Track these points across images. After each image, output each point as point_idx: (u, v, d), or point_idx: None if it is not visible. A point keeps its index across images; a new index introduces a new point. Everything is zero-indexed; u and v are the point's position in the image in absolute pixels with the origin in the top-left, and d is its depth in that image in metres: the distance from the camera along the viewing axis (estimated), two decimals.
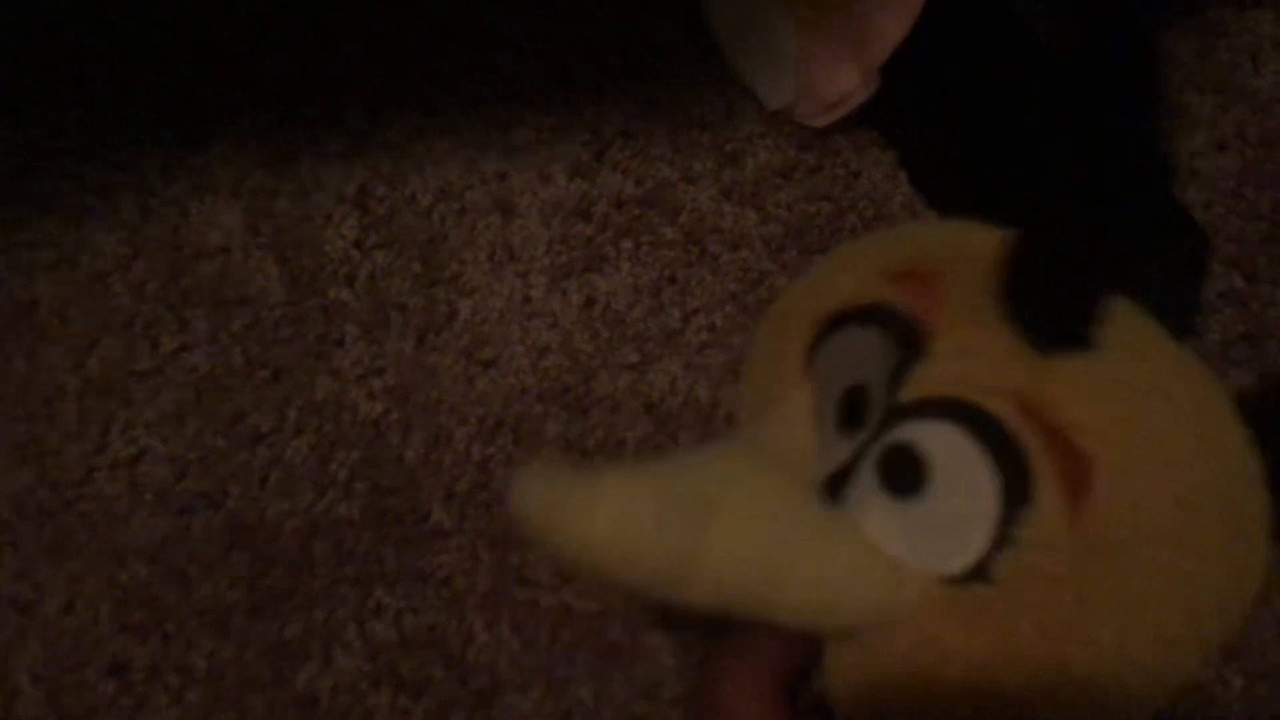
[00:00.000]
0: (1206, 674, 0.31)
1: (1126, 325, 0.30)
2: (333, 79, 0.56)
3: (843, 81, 0.52)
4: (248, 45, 0.57)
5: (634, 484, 0.28)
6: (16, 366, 0.50)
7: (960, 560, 0.28)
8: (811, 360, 0.33)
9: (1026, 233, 0.28)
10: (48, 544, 0.47)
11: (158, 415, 0.49)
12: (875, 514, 0.29)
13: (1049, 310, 0.28)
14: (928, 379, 0.29)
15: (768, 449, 0.33)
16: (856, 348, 0.32)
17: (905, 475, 0.29)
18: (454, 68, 0.57)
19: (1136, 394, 0.28)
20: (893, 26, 0.49)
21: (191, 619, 0.46)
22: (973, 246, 0.30)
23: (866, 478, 0.30)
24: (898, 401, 0.30)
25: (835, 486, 0.31)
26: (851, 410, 0.32)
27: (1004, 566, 0.27)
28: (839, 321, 0.32)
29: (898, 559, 0.29)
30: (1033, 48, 0.51)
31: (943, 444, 0.28)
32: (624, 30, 0.57)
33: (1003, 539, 0.27)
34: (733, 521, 0.28)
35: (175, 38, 0.57)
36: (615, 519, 0.27)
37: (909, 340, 0.30)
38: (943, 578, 0.28)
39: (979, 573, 0.28)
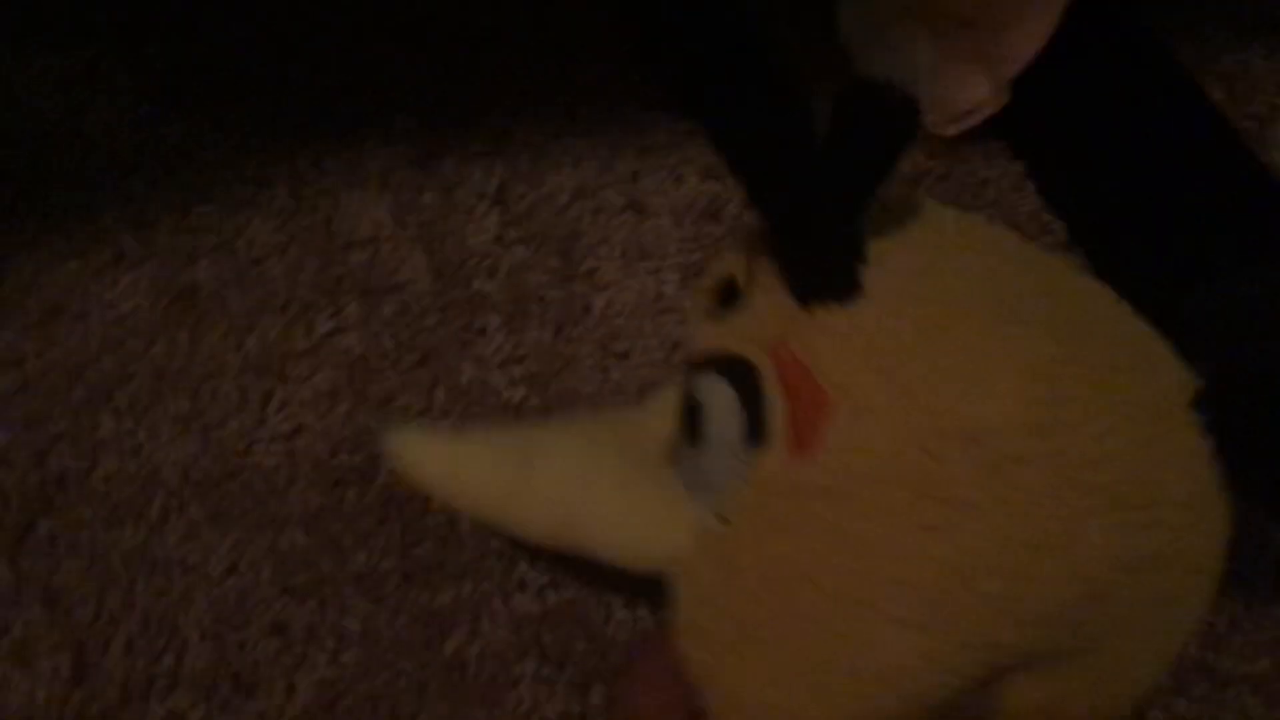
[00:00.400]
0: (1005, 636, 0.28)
1: (947, 265, 0.30)
2: (476, 81, 0.59)
3: (974, 93, 0.54)
4: (396, 47, 0.60)
5: (475, 436, 0.35)
6: (180, 344, 0.53)
7: (716, 503, 0.30)
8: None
9: (776, 212, 0.29)
10: (212, 510, 0.49)
11: (313, 394, 0.52)
12: (680, 462, 0.33)
13: (806, 266, 0.30)
14: (708, 335, 0.33)
15: (627, 422, 0.37)
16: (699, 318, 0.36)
17: (692, 425, 0.31)
18: (590, 72, 0.59)
19: (899, 340, 0.28)
20: (1027, 43, 0.51)
21: (347, 585, 0.48)
22: None
23: (677, 431, 0.33)
24: (693, 358, 0.33)
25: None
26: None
27: (729, 503, 0.29)
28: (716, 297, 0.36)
29: (681, 503, 0.31)
30: (1164, 63, 0.53)
31: (714, 395, 0.31)
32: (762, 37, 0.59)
33: (741, 481, 0.29)
34: (551, 463, 0.33)
35: (327, 37, 0.60)
36: (454, 460, 0.34)
37: (729, 305, 0.33)
38: (706, 520, 0.30)
39: (721, 513, 0.30)
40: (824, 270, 0.29)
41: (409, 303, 0.54)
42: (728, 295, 0.35)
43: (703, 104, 0.28)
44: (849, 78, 0.27)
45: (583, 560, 0.35)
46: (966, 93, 0.54)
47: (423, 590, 0.48)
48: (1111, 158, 0.53)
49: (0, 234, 0.55)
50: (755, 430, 0.29)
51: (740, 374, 0.30)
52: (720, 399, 0.30)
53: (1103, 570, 0.26)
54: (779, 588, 0.28)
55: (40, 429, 0.51)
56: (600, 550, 0.34)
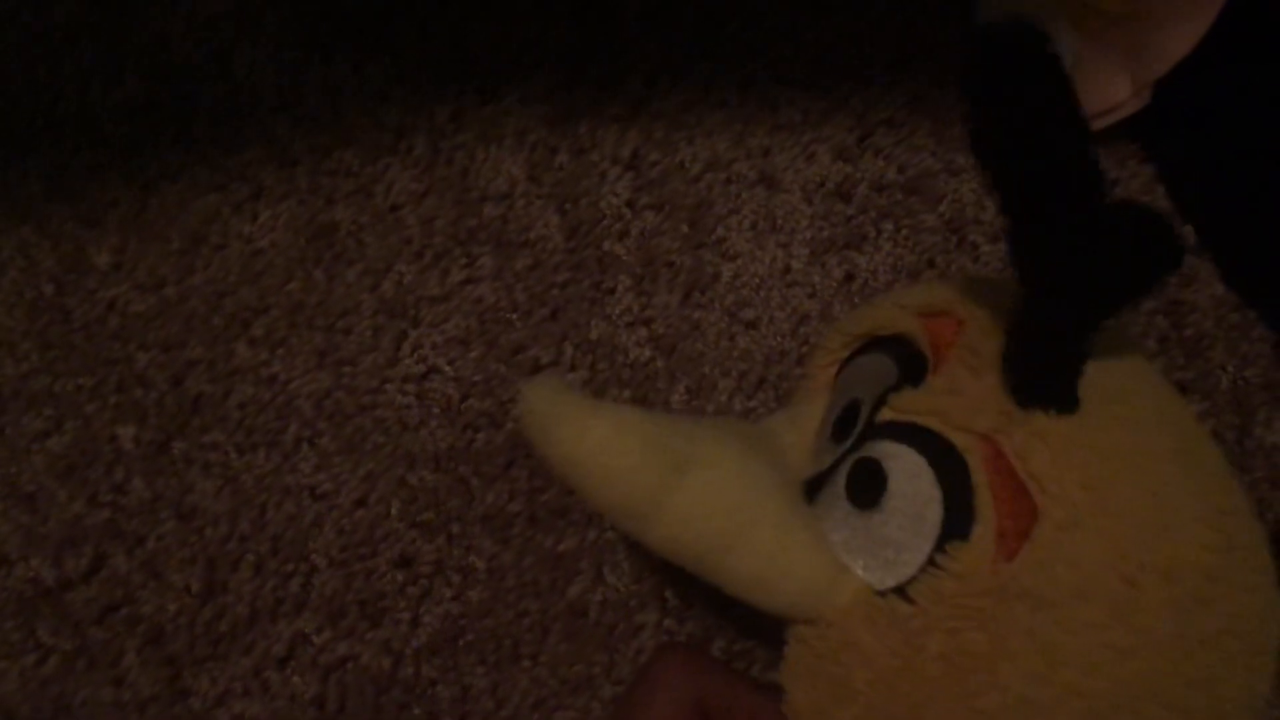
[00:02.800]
0: None
1: (1133, 393, 0.31)
2: (616, 48, 0.60)
3: (1116, 92, 0.54)
4: (539, 8, 0.61)
5: (631, 419, 0.31)
6: (317, 281, 0.54)
7: (895, 576, 0.30)
8: (839, 375, 0.37)
9: (1030, 297, 0.28)
10: (344, 443, 0.50)
11: (445, 339, 0.53)
12: (837, 518, 0.32)
13: (1035, 370, 0.29)
14: (908, 405, 0.31)
15: (770, 438, 0.36)
16: (871, 369, 0.35)
17: (867, 488, 0.31)
18: (729, 46, 0.60)
19: (1107, 462, 0.28)
20: (1177, 43, 0.51)
21: (475, 524, 0.49)
22: (1009, 298, 0.31)
23: (839, 484, 0.32)
24: (875, 420, 0.32)
25: (816, 486, 0.34)
26: (844, 422, 0.35)
27: (923, 588, 0.29)
28: (869, 345, 0.36)
29: (843, 562, 0.31)
30: None
31: (905, 467, 0.30)
32: (896, 26, 0.60)
33: (932, 564, 0.29)
34: (706, 478, 0.31)
35: None
36: (604, 441, 0.30)
37: (912, 369, 0.33)
38: (875, 588, 0.30)
39: (904, 590, 0.29)
40: (1053, 376, 0.28)
41: (541, 258, 0.55)
42: (907, 359, 0.34)
43: (1010, 189, 0.27)
44: (1124, 200, 0.27)
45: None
46: (1107, 92, 0.54)
47: (548, 534, 0.49)
48: (1245, 165, 0.54)
49: (145, 162, 0.57)
50: (958, 520, 0.29)
51: (944, 457, 0.29)
52: (913, 473, 0.30)
53: (1235, 710, 0.28)
54: (962, 676, 0.28)
55: (178, 353, 0.53)
56: (740, 585, 0.31)
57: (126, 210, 0.55)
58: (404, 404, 0.51)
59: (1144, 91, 0.53)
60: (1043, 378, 0.29)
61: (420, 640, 0.46)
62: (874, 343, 0.36)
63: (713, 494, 0.30)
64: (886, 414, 0.32)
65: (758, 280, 0.54)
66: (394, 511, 0.49)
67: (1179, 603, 0.27)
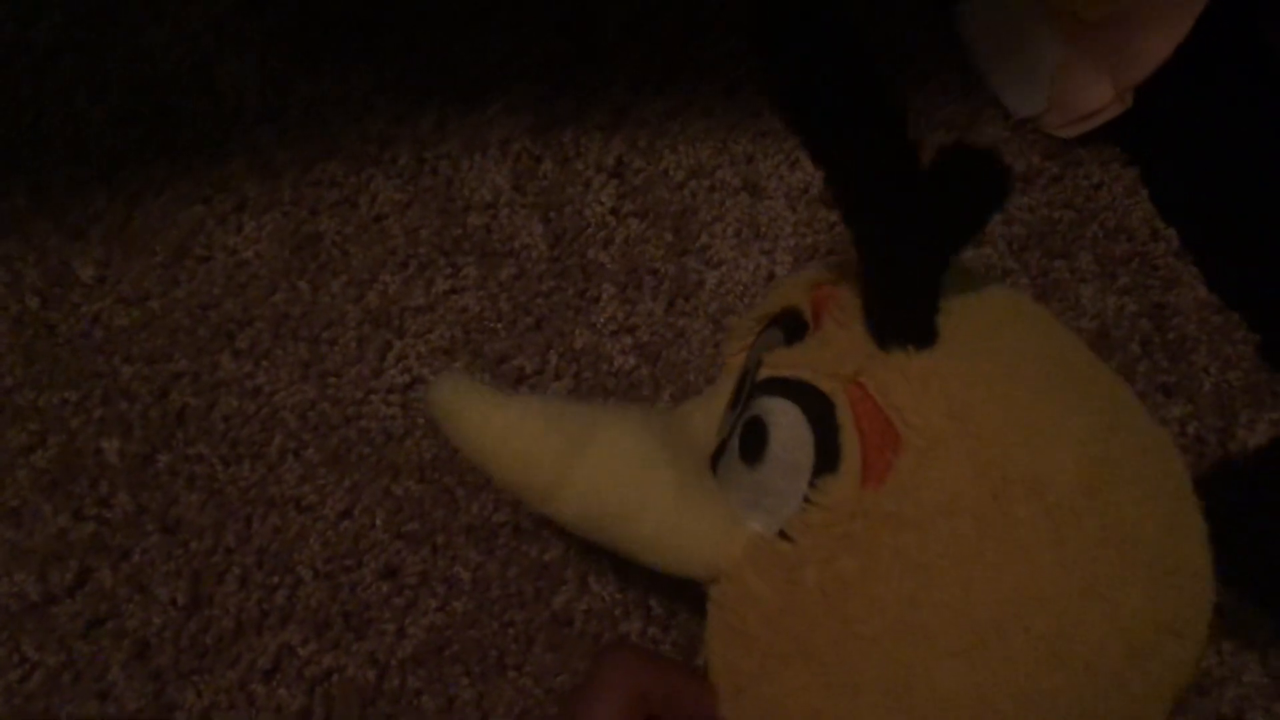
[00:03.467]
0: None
1: (1006, 327, 0.32)
2: (599, 57, 0.60)
3: (1097, 96, 0.54)
4: (521, 18, 0.61)
5: (532, 405, 0.33)
6: (301, 292, 0.54)
7: (779, 521, 0.31)
8: (747, 357, 0.38)
9: (865, 248, 0.30)
10: (329, 454, 0.51)
11: (429, 349, 0.53)
12: (733, 478, 0.33)
13: (888, 312, 0.31)
14: (780, 360, 0.33)
15: (680, 419, 0.37)
16: (765, 343, 0.37)
17: (752, 444, 0.32)
18: (711, 55, 0.60)
19: (971, 389, 0.29)
20: (1158, 47, 0.52)
21: (460, 534, 0.49)
22: None
23: (733, 447, 0.34)
24: (755, 381, 0.34)
25: (719, 455, 0.35)
26: (738, 392, 0.36)
27: (797, 523, 0.30)
28: (770, 324, 0.37)
29: (737, 517, 0.32)
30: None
31: (782, 418, 0.32)
32: (875, 34, 0.60)
33: (806, 502, 0.30)
34: (604, 453, 0.33)
35: (457, 7, 0.61)
36: (506, 427, 0.32)
37: (797, 335, 0.34)
38: (764, 534, 0.31)
39: (785, 531, 0.30)
40: (906, 315, 0.30)
41: (525, 267, 0.55)
42: (792, 326, 0.36)
43: (816, 134, 0.29)
44: (950, 140, 0.28)
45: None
46: (1090, 96, 0.55)
47: (533, 544, 0.49)
48: (1227, 168, 0.54)
49: (130, 175, 0.57)
50: (826, 457, 0.30)
51: (814, 402, 0.31)
52: (788, 422, 0.31)
53: (1142, 628, 0.28)
54: (841, 605, 0.28)
55: (163, 366, 0.53)
56: (641, 551, 0.33)
57: (111, 223, 0.55)
58: (389, 415, 0.51)
59: (1126, 96, 0.53)
60: (897, 318, 0.30)
61: (406, 651, 0.46)
62: (772, 321, 0.38)
63: (611, 467, 0.32)
64: (764, 372, 0.34)
65: (742, 287, 0.55)
66: (379, 522, 0.49)
67: (1050, 514, 0.27)
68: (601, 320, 0.53)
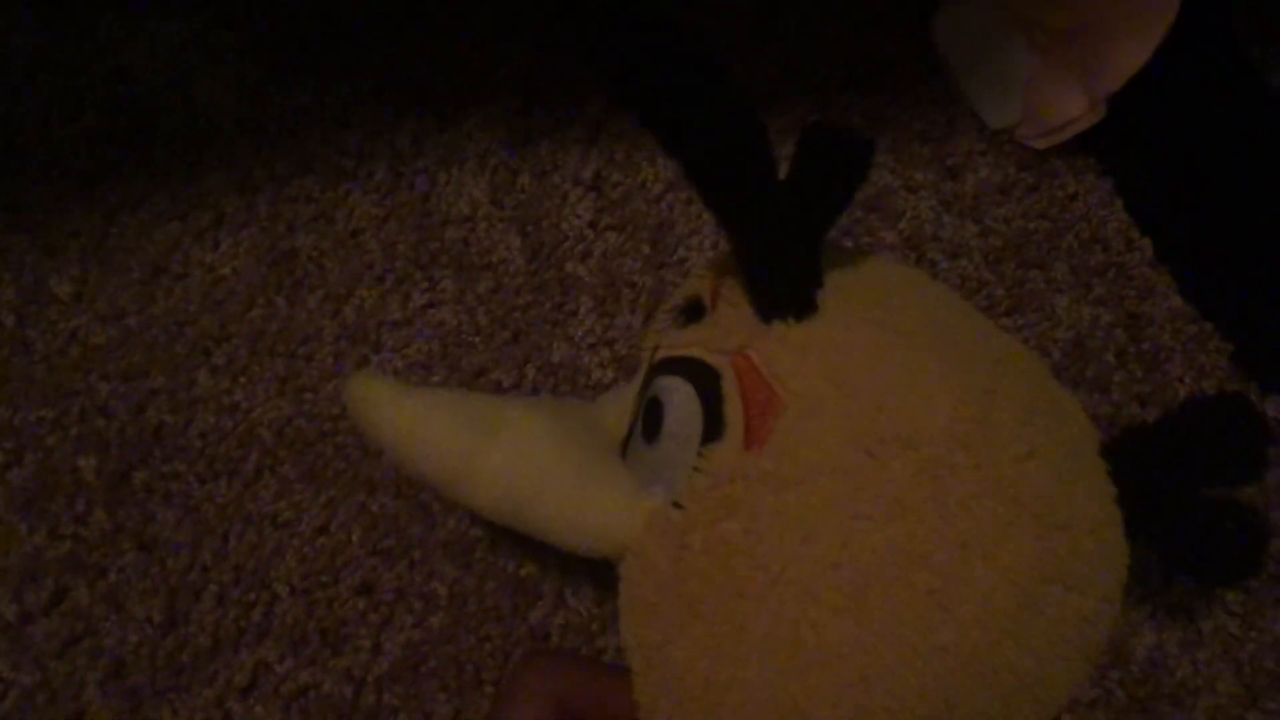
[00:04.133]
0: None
1: (892, 298, 0.33)
2: (575, 69, 0.60)
3: (1070, 107, 0.55)
4: (498, 30, 0.61)
5: (442, 396, 0.35)
6: (278, 308, 0.54)
7: (674, 492, 0.32)
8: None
9: (739, 231, 0.31)
10: (305, 470, 0.51)
11: (406, 364, 0.53)
12: (637, 458, 0.35)
13: (766, 287, 0.32)
14: (674, 341, 0.35)
15: (592, 409, 0.39)
16: (665, 330, 0.38)
17: (651, 422, 0.34)
18: None
19: (850, 355, 0.31)
20: (1129, 57, 0.52)
21: (436, 550, 0.49)
22: None
23: (637, 427, 0.35)
24: (653, 361, 0.35)
25: (628, 440, 0.36)
26: (645, 381, 0.37)
27: (684, 490, 0.31)
28: (680, 313, 0.38)
29: (639, 493, 0.33)
30: (1256, 86, 0.54)
31: (675, 395, 0.33)
32: (851, 44, 0.61)
33: (695, 471, 0.31)
34: (513, 439, 0.34)
35: (433, 21, 0.62)
36: (416, 417, 0.33)
37: (694, 319, 0.35)
38: (661, 507, 0.32)
39: (677, 500, 0.31)
40: (784, 289, 0.31)
41: (503, 281, 0.55)
42: (694, 311, 0.37)
43: (666, 129, 0.29)
44: (811, 120, 0.29)
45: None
46: (1062, 106, 0.55)
47: (509, 559, 0.49)
48: (1201, 178, 0.54)
49: (105, 192, 0.57)
50: (713, 426, 0.31)
51: (701, 376, 0.32)
52: (680, 398, 0.32)
53: (1031, 580, 0.28)
54: (727, 566, 0.29)
55: (139, 382, 0.53)
56: (551, 532, 0.34)
57: (87, 240, 0.55)
58: None
59: (1099, 105, 0.53)
60: (775, 292, 0.31)
61: (382, 667, 0.46)
62: (680, 312, 0.38)
63: (520, 451, 0.33)
64: (660, 354, 0.35)
65: None
66: (355, 538, 0.49)
67: (925, 469, 0.28)
68: (579, 333, 0.53)
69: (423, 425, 0.33)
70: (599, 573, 0.48)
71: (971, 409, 0.29)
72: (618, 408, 0.39)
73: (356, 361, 0.53)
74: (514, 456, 0.34)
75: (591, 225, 0.56)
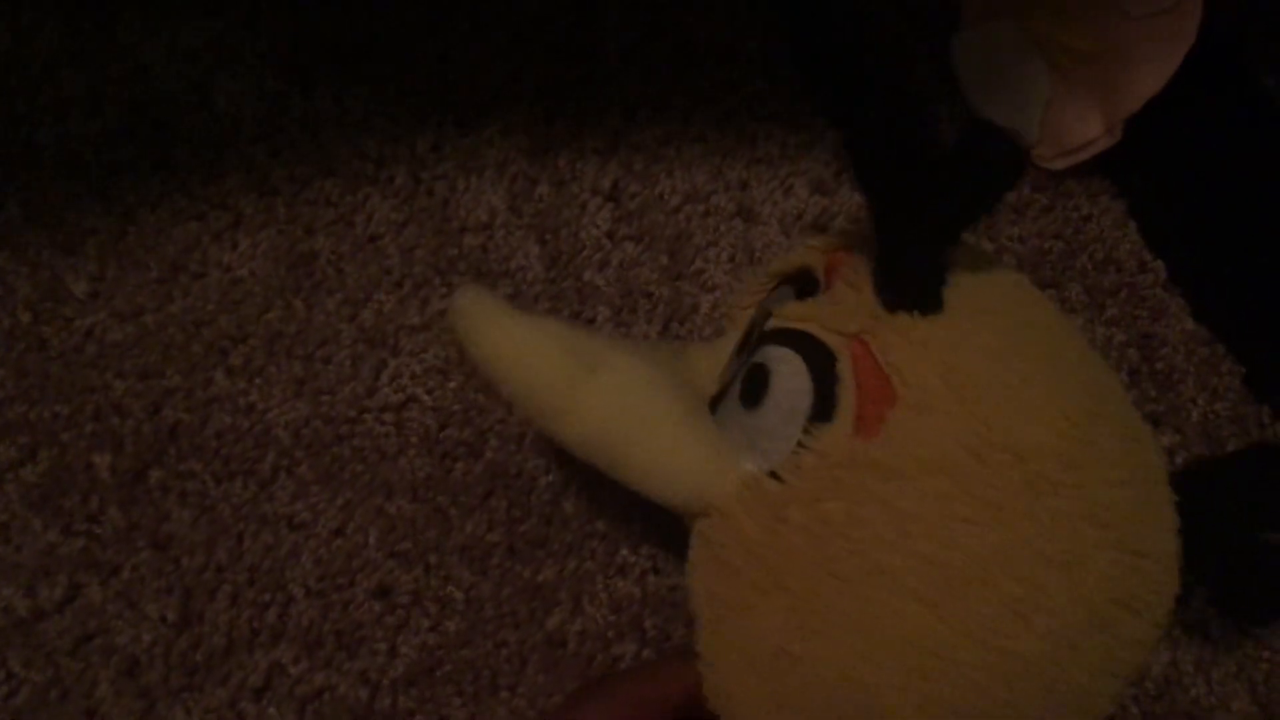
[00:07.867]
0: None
1: (1010, 305, 0.34)
2: (595, 81, 0.61)
3: (1088, 129, 0.55)
4: (520, 42, 0.62)
5: (550, 324, 0.35)
6: (296, 310, 0.54)
7: (771, 462, 0.33)
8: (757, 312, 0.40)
9: (886, 219, 0.32)
10: (322, 472, 0.50)
11: (424, 368, 0.53)
12: (731, 420, 0.35)
13: (896, 277, 0.32)
14: (790, 313, 0.35)
15: (684, 358, 0.39)
16: (776, 299, 0.39)
17: (753, 389, 0.34)
18: (707, 82, 0.61)
19: (967, 357, 0.31)
20: (1149, 81, 0.53)
21: (453, 554, 0.49)
22: None
23: (735, 391, 0.35)
24: (763, 330, 0.36)
25: (718, 399, 0.37)
26: (746, 339, 0.38)
27: (788, 465, 0.32)
28: (782, 283, 0.39)
29: (731, 455, 0.34)
30: (1271, 111, 0.54)
31: (785, 366, 0.33)
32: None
33: (800, 447, 0.32)
34: (614, 379, 0.34)
35: (453, 27, 0.62)
36: (524, 341, 0.34)
37: (808, 293, 0.36)
38: (756, 474, 0.33)
39: (776, 472, 0.32)
40: (914, 283, 0.31)
41: (521, 288, 0.55)
42: (804, 283, 0.37)
43: (841, 110, 0.31)
44: (970, 117, 0.30)
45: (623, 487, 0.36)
46: (1080, 128, 0.55)
47: (526, 565, 0.49)
48: (1214, 202, 0.55)
49: (124, 191, 0.57)
50: (822, 406, 0.31)
51: (815, 354, 0.32)
52: (790, 370, 0.33)
53: (1104, 601, 0.29)
54: (822, 544, 0.30)
55: (155, 382, 0.52)
56: (636, 477, 0.34)
57: (105, 238, 0.55)
58: (382, 433, 0.51)
59: (1116, 129, 0.54)
60: (904, 284, 0.31)
61: (398, 671, 0.46)
62: (785, 280, 0.39)
63: (619, 392, 0.34)
64: (774, 323, 0.35)
65: None
66: (372, 541, 0.49)
67: (1029, 482, 0.28)
68: None
69: (527, 350, 0.33)
70: (614, 581, 0.48)
71: (1079, 429, 0.30)
72: (709, 362, 0.40)
73: (374, 365, 0.53)
74: (613, 397, 0.34)
75: (609, 235, 0.57)
